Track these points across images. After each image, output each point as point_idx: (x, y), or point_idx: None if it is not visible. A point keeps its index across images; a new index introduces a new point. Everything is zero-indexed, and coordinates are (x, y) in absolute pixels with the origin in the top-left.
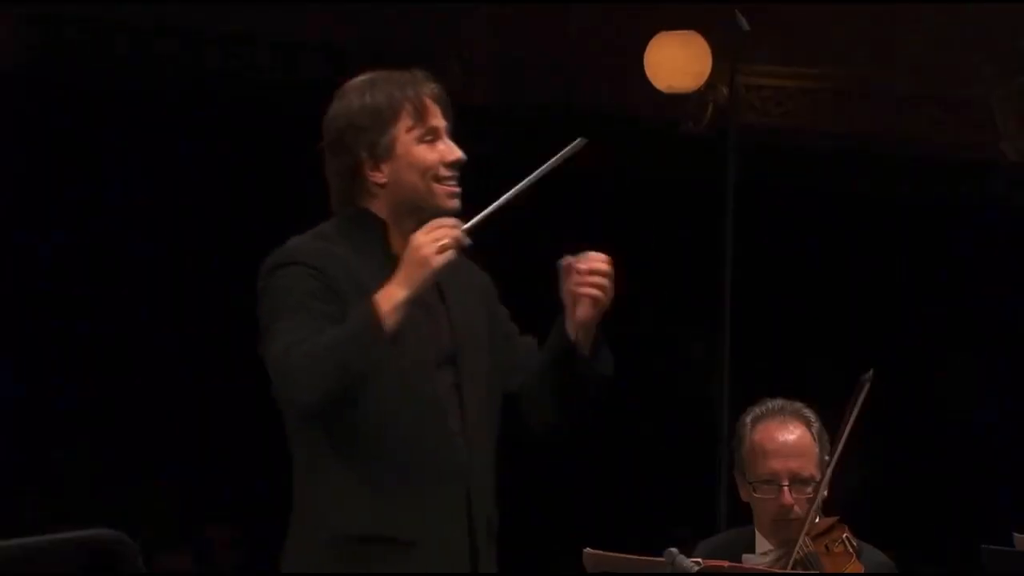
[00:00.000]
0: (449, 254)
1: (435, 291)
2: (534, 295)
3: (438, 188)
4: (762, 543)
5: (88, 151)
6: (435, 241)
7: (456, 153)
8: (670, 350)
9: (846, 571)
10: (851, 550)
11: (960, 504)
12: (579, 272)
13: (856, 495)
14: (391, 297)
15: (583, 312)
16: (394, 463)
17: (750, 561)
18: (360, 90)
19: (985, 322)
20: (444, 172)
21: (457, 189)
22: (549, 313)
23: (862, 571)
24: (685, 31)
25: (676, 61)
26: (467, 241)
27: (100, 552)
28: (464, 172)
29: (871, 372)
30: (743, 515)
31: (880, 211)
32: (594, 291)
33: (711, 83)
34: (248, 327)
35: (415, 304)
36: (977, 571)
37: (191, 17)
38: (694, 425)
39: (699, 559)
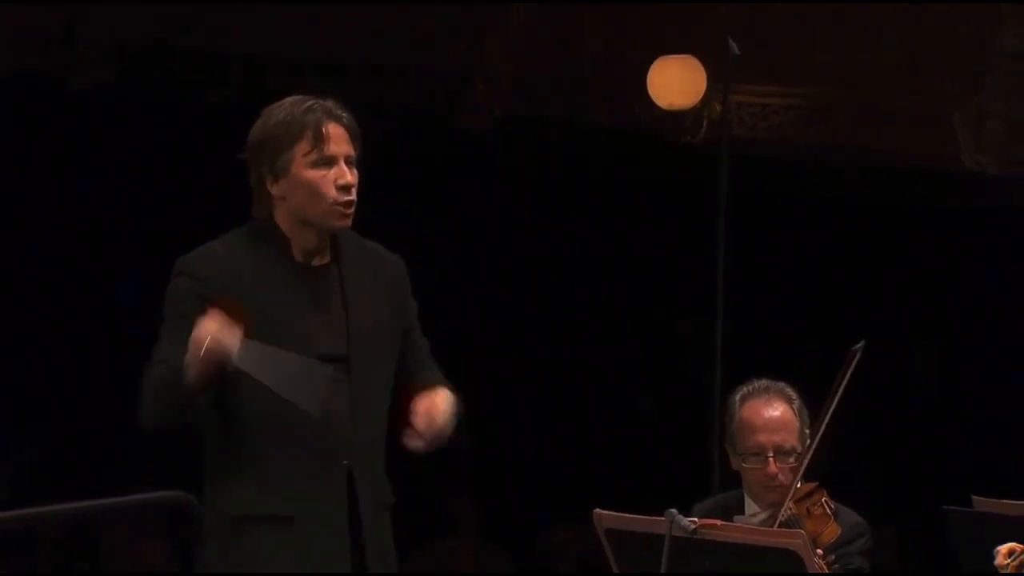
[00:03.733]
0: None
1: (339, 291)
2: (557, 288)
3: (329, 209)
4: (751, 505)
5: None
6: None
7: (346, 177)
8: (670, 335)
9: (825, 530)
10: (829, 512)
11: (924, 470)
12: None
13: (834, 463)
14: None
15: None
16: (274, 446)
17: (740, 521)
18: (274, 112)
19: (948, 310)
20: (335, 194)
21: (346, 211)
22: (582, 305)
23: (839, 531)
24: (683, 55)
25: (675, 82)
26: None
27: (172, 512)
28: (488, 179)
29: (863, 342)
30: (734, 480)
31: (853, 214)
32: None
33: (706, 101)
34: None
35: (308, 302)
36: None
37: (252, 43)
38: (691, 401)
39: (695, 519)
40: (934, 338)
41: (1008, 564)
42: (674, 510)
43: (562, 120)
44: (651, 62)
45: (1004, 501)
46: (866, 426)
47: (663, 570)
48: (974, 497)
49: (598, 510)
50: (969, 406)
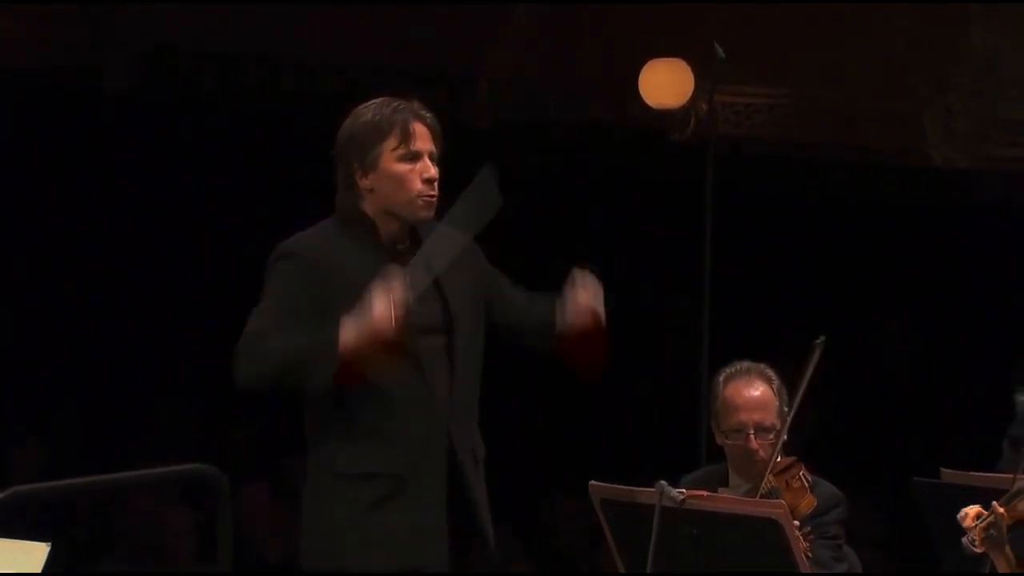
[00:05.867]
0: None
1: (423, 271)
2: (556, 278)
3: (414, 200)
4: (734, 478)
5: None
6: (386, 310)
7: (430, 171)
8: (661, 320)
9: (802, 502)
10: (806, 485)
11: (896, 444)
12: (575, 304)
13: (811, 438)
14: (346, 344)
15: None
16: (381, 412)
17: (725, 493)
18: (363, 111)
19: (915, 294)
20: (420, 187)
21: (431, 201)
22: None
23: (815, 502)
24: (672, 58)
25: (665, 83)
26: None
27: (196, 483)
28: (497, 175)
29: (823, 338)
30: (719, 455)
31: (829, 206)
32: (581, 320)
33: (694, 101)
34: None
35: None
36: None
37: (267, 45)
38: (680, 382)
39: (683, 490)
40: (903, 318)
41: (975, 526)
42: (664, 482)
43: (559, 119)
44: (643, 65)
45: (970, 473)
46: (848, 404)
47: (653, 536)
48: (942, 469)
49: (593, 482)
50: (940, 384)
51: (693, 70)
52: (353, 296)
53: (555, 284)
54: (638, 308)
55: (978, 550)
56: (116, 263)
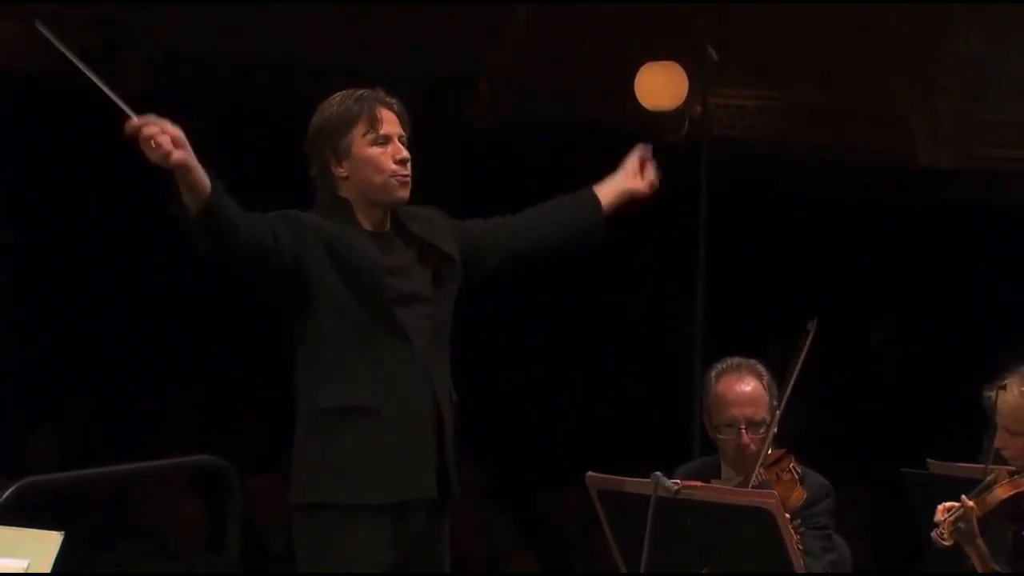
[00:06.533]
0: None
1: (408, 244)
2: (555, 274)
3: (389, 180)
4: (727, 471)
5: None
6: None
7: (402, 153)
8: (657, 318)
9: (792, 494)
10: (796, 477)
11: (884, 435)
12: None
13: (801, 431)
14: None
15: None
16: (361, 352)
17: (718, 485)
18: (329, 104)
19: (904, 291)
20: (393, 167)
21: (406, 181)
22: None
23: (805, 494)
24: (667, 62)
25: (660, 85)
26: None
27: (206, 474)
28: (496, 173)
29: (815, 321)
30: (713, 447)
31: (820, 206)
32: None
33: (688, 103)
34: None
35: (382, 256)
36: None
37: (277, 49)
38: (675, 377)
39: (678, 480)
40: (896, 318)
41: (945, 520)
42: (659, 473)
43: (558, 119)
44: (638, 68)
45: (957, 464)
46: (839, 397)
47: (649, 526)
48: (929, 460)
49: (591, 473)
50: (930, 379)
51: (687, 73)
52: (336, 263)
53: (553, 282)
54: (634, 306)
55: (946, 543)
56: (127, 259)
